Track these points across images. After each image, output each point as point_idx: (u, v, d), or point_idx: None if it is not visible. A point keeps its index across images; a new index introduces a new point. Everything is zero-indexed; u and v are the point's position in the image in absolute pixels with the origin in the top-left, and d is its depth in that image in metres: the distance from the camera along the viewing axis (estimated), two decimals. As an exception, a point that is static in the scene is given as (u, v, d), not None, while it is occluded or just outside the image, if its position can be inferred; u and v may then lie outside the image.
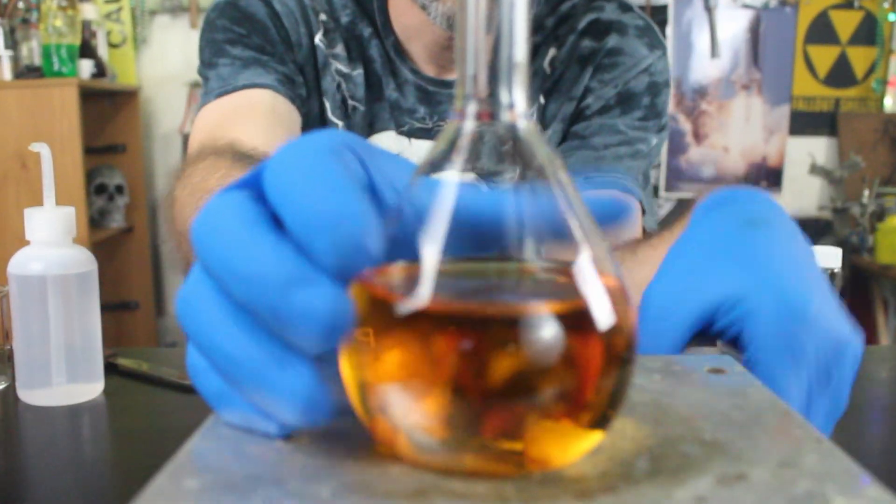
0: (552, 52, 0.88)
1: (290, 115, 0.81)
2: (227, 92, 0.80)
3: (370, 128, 0.87)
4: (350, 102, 0.86)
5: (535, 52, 0.87)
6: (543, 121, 0.89)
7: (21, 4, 2.31)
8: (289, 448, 0.25)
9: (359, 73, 0.86)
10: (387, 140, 0.87)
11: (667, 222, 0.95)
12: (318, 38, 0.85)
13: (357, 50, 0.86)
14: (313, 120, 0.86)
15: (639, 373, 0.33)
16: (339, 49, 0.86)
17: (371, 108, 0.87)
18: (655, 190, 2.79)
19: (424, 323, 0.23)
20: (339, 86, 0.86)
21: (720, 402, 0.30)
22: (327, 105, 0.86)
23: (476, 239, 0.25)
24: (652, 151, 0.88)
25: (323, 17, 0.86)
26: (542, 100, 0.88)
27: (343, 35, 0.86)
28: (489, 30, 0.25)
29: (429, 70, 0.87)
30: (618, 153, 0.85)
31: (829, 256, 0.75)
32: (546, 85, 0.88)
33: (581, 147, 0.85)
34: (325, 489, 0.23)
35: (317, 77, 0.86)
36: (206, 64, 0.85)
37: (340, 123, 0.86)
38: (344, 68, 0.86)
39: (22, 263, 0.58)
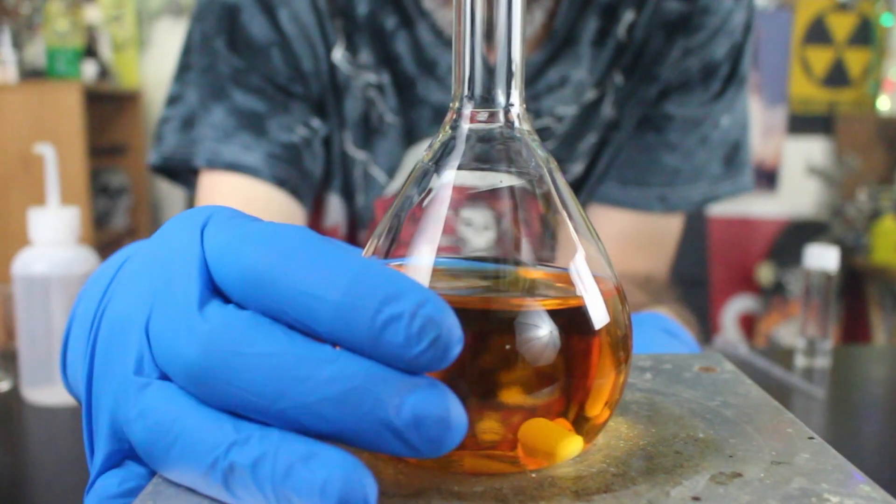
0: (629, 16, 0.70)
1: (265, 212, 0.65)
2: (212, 165, 0.66)
3: (407, 140, 0.71)
4: (386, 118, 0.70)
5: (610, 15, 0.70)
6: (620, 105, 0.72)
7: (26, 7, 2.32)
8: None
9: (385, 78, 0.69)
10: None
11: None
12: (337, 55, 0.69)
13: (381, 50, 0.69)
14: (335, 157, 0.72)
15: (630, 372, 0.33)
16: (366, 56, 0.69)
17: (407, 118, 0.70)
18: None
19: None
20: (371, 104, 0.70)
21: (712, 400, 0.30)
22: (348, 137, 0.71)
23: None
24: (726, 128, 0.74)
25: (340, 21, 0.69)
26: (618, 78, 0.72)
27: (365, 34, 0.69)
28: (485, 30, 0.25)
29: None
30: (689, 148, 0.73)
31: (826, 257, 0.75)
32: (624, 60, 0.71)
33: (652, 148, 0.73)
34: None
35: (338, 104, 0.70)
36: (203, 95, 0.68)
37: (362, 155, 0.71)
38: (374, 77, 0.69)
39: (26, 264, 0.59)
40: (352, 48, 0.69)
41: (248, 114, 0.67)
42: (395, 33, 0.68)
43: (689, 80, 0.72)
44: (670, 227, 0.76)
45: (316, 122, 0.69)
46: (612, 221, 0.73)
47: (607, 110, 0.72)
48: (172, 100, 0.70)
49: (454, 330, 0.20)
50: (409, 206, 0.26)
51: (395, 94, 0.70)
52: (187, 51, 0.70)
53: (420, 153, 0.70)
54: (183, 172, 0.71)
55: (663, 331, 0.52)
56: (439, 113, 0.70)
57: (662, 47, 0.70)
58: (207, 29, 0.69)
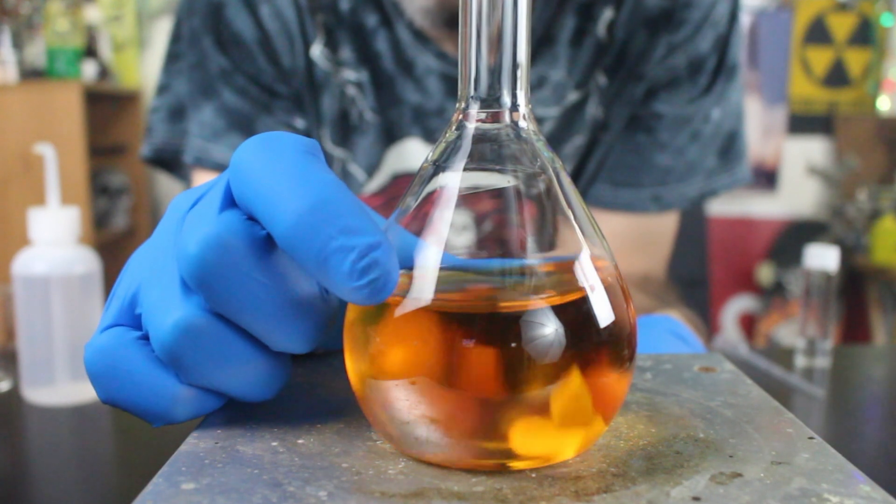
0: (608, 14, 0.69)
1: None
2: (201, 164, 0.68)
3: (387, 138, 0.71)
4: (366, 116, 0.70)
5: (587, 13, 0.69)
6: (607, 105, 0.71)
7: (26, 7, 2.32)
8: (285, 449, 0.25)
9: (364, 76, 0.69)
10: (413, 149, 0.70)
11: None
12: (316, 51, 0.69)
13: (361, 47, 0.69)
14: None
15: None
16: (346, 52, 0.69)
17: (387, 117, 0.70)
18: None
19: (422, 322, 0.23)
20: (351, 102, 0.70)
21: (712, 400, 0.30)
22: (325, 134, 0.71)
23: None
24: (718, 121, 0.73)
25: (321, 16, 0.69)
26: (601, 79, 0.71)
27: (347, 30, 0.69)
28: (491, 30, 0.25)
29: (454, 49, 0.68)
30: (680, 146, 0.72)
31: (826, 257, 0.75)
32: (606, 59, 0.70)
33: (643, 148, 0.72)
34: (322, 491, 0.22)
35: (315, 101, 0.70)
36: (193, 91, 0.70)
37: (340, 153, 0.71)
38: (354, 75, 0.69)
39: (26, 264, 0.59)
40: (332, 44, 0.69)
41: (236, 114, 0.68)
42: (375, 31, 0.69)
43: (676, 76, 0.70)
44: (665, 225, 0.75)
45: (299, 122, 0.69)
46: (606, 224, 0.72)
47: (592, 112, 0.71)
48: (161, 89, 0.72)
49: (393, 275, 0.23)
50: (411, 206, 0.26)
51: (374, 92, 0.70)
52: (174, 40, 0.71)
53: (401, 152, 0.71)
54: (176, 163, 0.72)
55: (672, 333, 0.52)
56: (418, 113, 0.70)
57: (646, 45, 0.69)
58: (195, 26, 0.69)
